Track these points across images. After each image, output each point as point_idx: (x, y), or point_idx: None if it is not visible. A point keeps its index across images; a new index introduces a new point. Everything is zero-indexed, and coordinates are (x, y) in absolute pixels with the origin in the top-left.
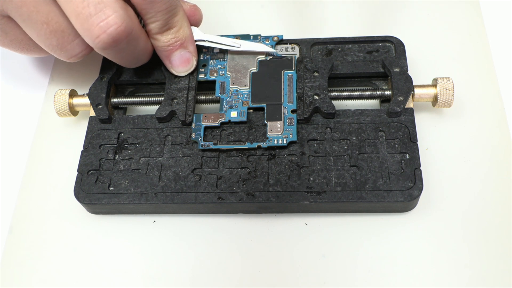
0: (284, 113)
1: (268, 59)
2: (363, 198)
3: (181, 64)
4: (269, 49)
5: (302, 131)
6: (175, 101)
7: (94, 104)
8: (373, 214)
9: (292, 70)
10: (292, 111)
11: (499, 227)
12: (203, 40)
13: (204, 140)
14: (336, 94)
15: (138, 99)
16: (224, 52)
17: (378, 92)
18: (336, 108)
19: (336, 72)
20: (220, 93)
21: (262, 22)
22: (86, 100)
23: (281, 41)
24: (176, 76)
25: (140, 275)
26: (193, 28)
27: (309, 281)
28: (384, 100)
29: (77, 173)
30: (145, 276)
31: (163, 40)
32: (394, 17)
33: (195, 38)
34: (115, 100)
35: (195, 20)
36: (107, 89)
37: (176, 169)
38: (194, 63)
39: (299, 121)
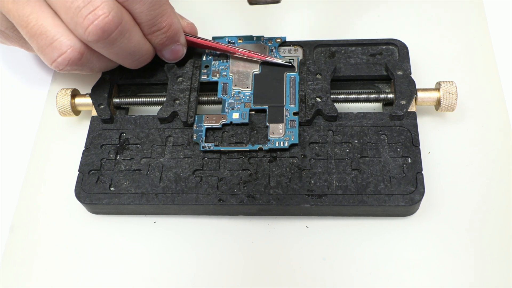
0: (286, 115)
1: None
2: (364, 202)
3: (172, 56)
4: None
5: (304, 133)
6: (177, 102)
7: (96, 104)
8: (374, 218)
9: (294, 72)
10: (294, 114)
11: (501, 231)
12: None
13: (205, 142)
14: (339, 96)
15: (140, 99)
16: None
17: (380, 95)
18: (339, 111)
19: (339, 74)
20: (222, 94)
21: (266, 23)
22: (88, 100)
23: (284, 43)
24: (178, 77)
25: (140, 275)
26: None
27: (309, 284)
28: (386, 103)
29: (78, 172)
30: (145, 277)
31: (155, 40)
32: (398, 20)
33: None
34: (117, 100)
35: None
36: (110, 89)
37: (177, 170)
38: (184, 51)
39: (301, 124)
